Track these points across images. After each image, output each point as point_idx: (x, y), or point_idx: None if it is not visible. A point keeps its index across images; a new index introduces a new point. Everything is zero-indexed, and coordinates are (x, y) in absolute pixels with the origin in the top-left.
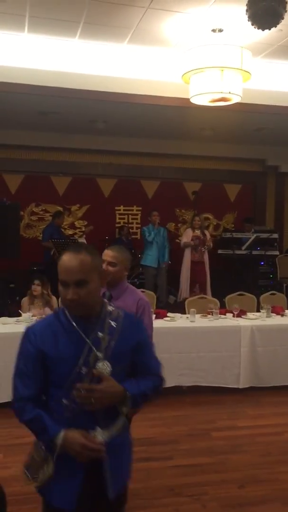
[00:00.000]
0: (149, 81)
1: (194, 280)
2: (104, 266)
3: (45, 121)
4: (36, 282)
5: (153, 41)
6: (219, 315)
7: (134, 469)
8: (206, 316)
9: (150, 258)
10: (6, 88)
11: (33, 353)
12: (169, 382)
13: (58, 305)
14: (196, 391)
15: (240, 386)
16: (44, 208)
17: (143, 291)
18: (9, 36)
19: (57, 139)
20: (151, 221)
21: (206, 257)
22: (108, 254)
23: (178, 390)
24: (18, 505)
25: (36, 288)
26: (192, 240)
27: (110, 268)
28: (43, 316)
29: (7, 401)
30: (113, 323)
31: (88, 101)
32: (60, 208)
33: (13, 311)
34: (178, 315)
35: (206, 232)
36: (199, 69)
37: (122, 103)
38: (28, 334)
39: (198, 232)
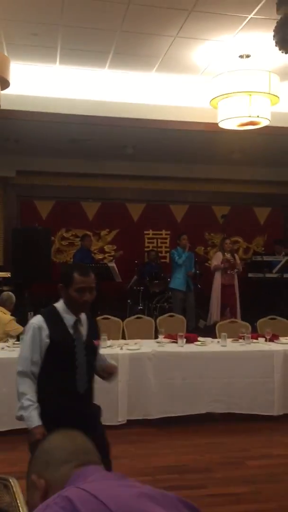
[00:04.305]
0: (177, 107)
1: (225, 304)
2: None
3: (75, 148)
4: None
5: (181, 68)
6: (251, 340)
7: None
8: (237, 340)
9: (178, 281)
10: (39, 117)
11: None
12: (201, 409)
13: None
14: (229, 418)
15: (275, 413)
16: (74, 233)
17: (171, 316)
18: (42, 68)
19: (87, 166)
20: (180, 245)
21: (236, 280)
22: None
23: (210, 417)
24: None
25: None
26: (222, 263)
27: None
28: None
29: None
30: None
31: (118, 128)
32: (89, 232)
33: None
34: (209, 339)
35: (236, 256)
36: (227, 94)
37: (151, 129)
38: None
39: (228, 255)
